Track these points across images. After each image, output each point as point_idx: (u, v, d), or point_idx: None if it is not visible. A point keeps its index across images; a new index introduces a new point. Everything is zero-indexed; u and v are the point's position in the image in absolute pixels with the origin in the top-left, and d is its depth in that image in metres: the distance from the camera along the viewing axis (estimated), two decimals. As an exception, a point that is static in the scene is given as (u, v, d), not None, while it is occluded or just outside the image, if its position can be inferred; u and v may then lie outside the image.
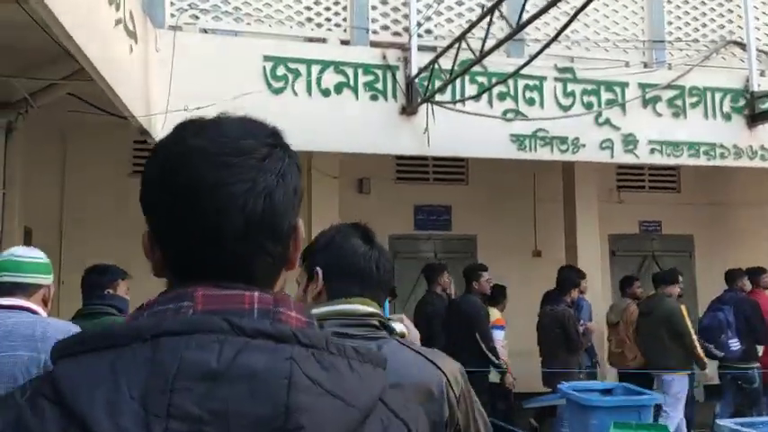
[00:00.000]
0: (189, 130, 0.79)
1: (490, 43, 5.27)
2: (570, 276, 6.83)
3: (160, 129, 5.68)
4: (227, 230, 0.75)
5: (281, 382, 0.66)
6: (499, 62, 6.54)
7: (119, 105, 4.91)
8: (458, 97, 6.44)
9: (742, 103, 7.21)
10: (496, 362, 6.11)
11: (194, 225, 0.75)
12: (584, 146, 6.82)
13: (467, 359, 6.09)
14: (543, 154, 6.73)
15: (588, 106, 6.85)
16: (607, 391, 5.04)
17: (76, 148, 7.92)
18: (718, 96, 7.17)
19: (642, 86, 7.01)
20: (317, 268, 1.47)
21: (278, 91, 6.15)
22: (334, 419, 0.67)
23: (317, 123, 6.20)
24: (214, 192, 0.74)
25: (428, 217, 9.07)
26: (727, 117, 7.18)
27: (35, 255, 2.37)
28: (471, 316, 6.27)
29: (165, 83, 5.78)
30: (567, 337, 6.40)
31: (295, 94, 6.20)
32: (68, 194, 7.98)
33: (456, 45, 5.87)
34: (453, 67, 5.80)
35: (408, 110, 6.39)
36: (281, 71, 6.19)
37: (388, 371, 0.82)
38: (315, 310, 1.38)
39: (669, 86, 7.06)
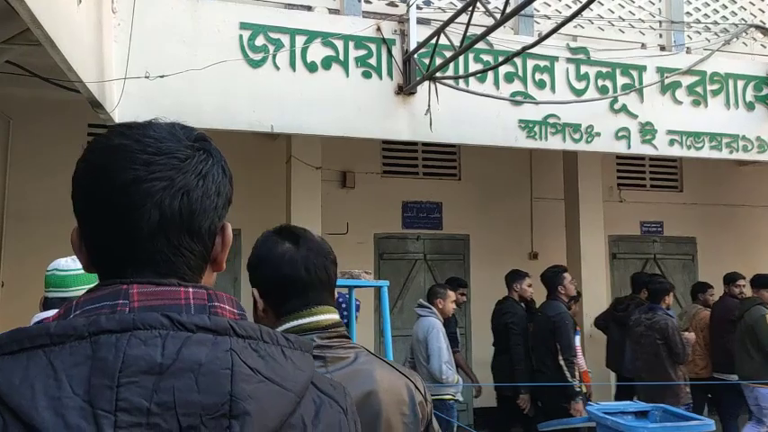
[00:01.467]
0: (116, 131, 0.81)
1: (495, 18, 4.53)
2: (664, 284, 6.01)
3: (116, 101, 4.80)
4: (143, 227, 0.76)
5: (224, 372, 0.69)
6: (506, 40, 5.80)
7: (65, 68, 4.03)
8: (461, 79, 5.67)
9: (766, 92, 6.61)
10: (570, 379, 5.30)
11: (112, 221, 0.76)
12: (598, 135, 6.13)
13: (549, 372, 5.30)
14: (554, 142, 6.01)
15: (603, 91, 6.16)
16: (642, 414, 4.32)
17: (22, 131, 6.94)
18: (740, 84, 6.55)
19: (660, 71, 6.35)
20: (253, 289, 1.43)
21: (256, 63, 5.31)
22: (274, 404, 0.71)
23: (301, 102, 5.38)
24: (131, 188, 0.76)
25: (417, 215, 8.30)
26: (750, 106, 6.57)
27: (78, 266, 2.31)
28: (555, 324, 5.49)
29: (123, 49, 4.89)
30: (670, 349, 5.55)
31: (276, 67, 5.37)
32: (12, 184, 7.00)
33: (459, 18, 5.12)
34: (463, 40, 5.03)
35: (405, 89, 5.61)
36: (260, 41, 5.35)
37: (362, 379, 1.30)
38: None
39: (689, 72, 6.42)
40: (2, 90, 6.09)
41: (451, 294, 5.46)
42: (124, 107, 4.87)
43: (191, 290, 0.76)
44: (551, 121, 5.98)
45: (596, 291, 7.69)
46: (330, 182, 7.69)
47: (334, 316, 1.41)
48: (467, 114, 5.74)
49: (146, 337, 0.69)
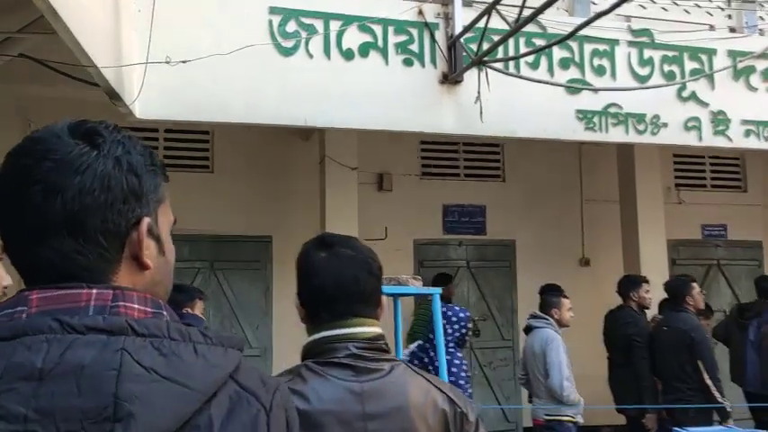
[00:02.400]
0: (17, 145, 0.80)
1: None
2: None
3: (135, 93, 4.36)
4: (26, 236, 0.74)
5: (110, 373, 0.66)
6: (560, 22, 5.25)
7: (79, 54, 3.61)
8: (511, 66, 5.13)
9: None
10: (721, 399, 4.80)
11: (9, 235, 0.76)
12: (665, 125, 5.52)
13: (686, 393, 4.72)
14: (616, 134, 5.42)
15: (669, 77, 5.55)
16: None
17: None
18: (821, 68, 5.88)
19: (732, 54, 5.72)
20: (296, 296, 1.40)
21: (287, 51, 4.84)
22: (169, 404, 0.66)
23: (336, 93, 4.90)
24: (12, 198, 0.75)
25: (459, 219, 7.74)
26: (834, 93, 5.88)
27: None
28: (694, 340, 4.95)
29: (143, 38, 4.47)
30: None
31: (309, 55, 4.89)
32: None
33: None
34: (517, 20, 4.49)
35: (450, 78, 5.09)
36: (291, 27, 4.88)
37: (393, 393, 1.28)
38: (305, 343, 1.37)
39: (763, 55, 5.77)
40: (18, 87, 5.73)
41: (567, 302, 4.93)
42: (144, 100, 4.44)
43: (94, 291, 0.72)
44: (612, 110, 5.39)
45: (657, 300, 7.01)
46: (366, 184, 7.18)
47: (374, 329, 1.36)
48: (518, 105, 5.19)
49: (31, 342, 0.67)
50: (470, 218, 7.77)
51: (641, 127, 5.44)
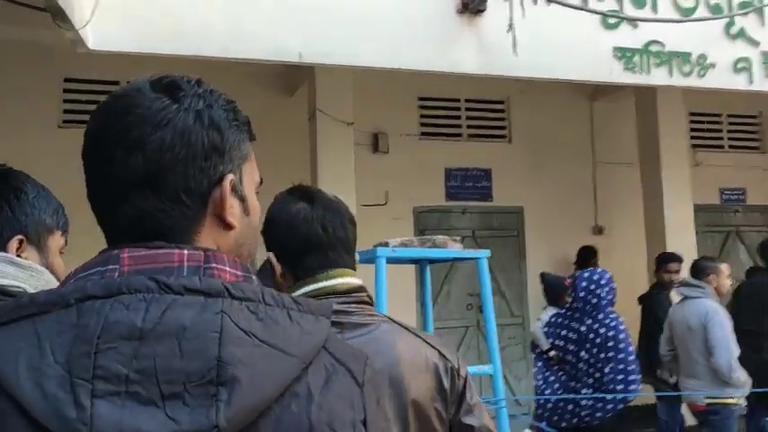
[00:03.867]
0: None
1: None
2: None
3: (88, 14, 3.47)
4: (109, 192, 0.73)
5: (212, 335, 0.64)
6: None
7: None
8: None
9: None
10: None
11: (93, 190, 0.75)
12: (712, 66, 4.80)
13: None
14: (658, 76, 4.69)
15: (716, 11, 4.83)
16: None
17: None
18: None
19: (783, -14, 5.02)
20: (269, 253, 1.35)
21: (276, -30, 3.98)
22: (271, 369, 0.65)
23: (336, 22, 4.07)
24: (96, 154, 0.73)
25: (462, 184, 6.98)
26: None
27: None
28: None
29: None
30: None
31: (303, -24, 4.04)
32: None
33: None
34: None
35: (471, 6, 4.28)
36: (280, -59, 4.02)
37: (382, 348, 1.19)
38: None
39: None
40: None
41: (725, 269, 4.18)
42: (98, 24, 3.55)
43: (185, 252, 0.70)
44: (654, 48, 4.65)
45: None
46: (360, 146, 6.35)
47: (354, 280, 1.31)
48: (548, 41, 4.42)
49: (129, 301, 0.65)
50: (474, 182, 7.02)
51: (686, 68, 4.72)
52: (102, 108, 0.74)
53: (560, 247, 7.07)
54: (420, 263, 3.31)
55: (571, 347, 4.44)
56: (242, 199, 0.77)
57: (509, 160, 7.09)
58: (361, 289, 1.31)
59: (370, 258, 2.87)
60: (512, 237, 7.18)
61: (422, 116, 6.94)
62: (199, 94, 0.75)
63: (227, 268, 0.70)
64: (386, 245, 2.98)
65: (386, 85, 6.38)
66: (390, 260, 2.96)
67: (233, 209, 0.75)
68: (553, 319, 4.71)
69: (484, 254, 3.28)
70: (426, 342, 1.27)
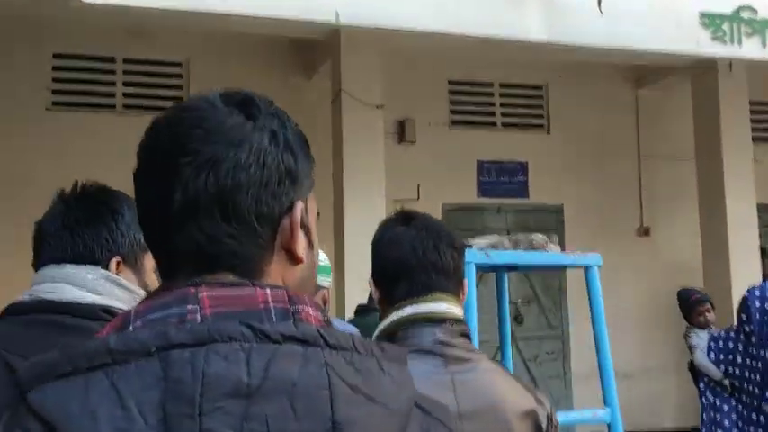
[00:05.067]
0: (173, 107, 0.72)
1: None
2: None
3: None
4: (173, 209, 0.63)
5: (322, 393, 0.57)
6: None
7: None
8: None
9: None
10: None
11: (149, 202, 0.66)
12: (811, 38, 4.13)
13: None
14: (750, 48, 4.06)
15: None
16: None
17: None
18: None
19: None
20: (369, 279, 1.34)
21: None
22: (381, 429, 0.59)
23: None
24: (161, 168, 0.64)
25: (497, 178, 6.29)
26: None
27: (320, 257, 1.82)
28: None
29: None
30: None
31: None
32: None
33: None
34: None
35: (539, -40, 3.59)
36: None
37: (487, 388, 1.16)
38: (381, 325, 1.28)
39: None
40: None
41: None
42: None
43: (268, 291, 0.62)
44: (745, 15, 3.97)
45: (752, 280, 5.70)
46: (385, 135, 5.65)
47: (456, 309, 1.24)
48: (628, 4, 3.73)
49: (226, 351, 0.56)
50: (510, 177, 6.34)
51: (782, 39, 4.04)
52: (162, 120, 0.66)
53: (602, 249, 6.27)
54: (502, 270, 2.60)
55: (752, 376, 3.62)
56: (307, 231, 0.68)
57: (547, 153, 6.41)
58: (462, 320, 1.25)
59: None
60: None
61: (451, 103, 6.25)
62: (272, 113, 0.67)
63: (311, 311, 0.62)
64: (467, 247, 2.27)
65: (412, 69, 5.72)
66: (481, 267, 2.26)
67: (301, 240, 0.67)
68: (720, 344, 3.88)
69: (595, 260, 2.55)
70: (522, 385, 1.23)
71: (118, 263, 1.23)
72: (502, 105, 6.41)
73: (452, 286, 1.25)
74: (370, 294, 1.57)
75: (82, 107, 5.26)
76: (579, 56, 5.82)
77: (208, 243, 0.63)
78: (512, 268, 2.61)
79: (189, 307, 0.58)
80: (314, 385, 0.56)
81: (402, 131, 5.95)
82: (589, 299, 2.47)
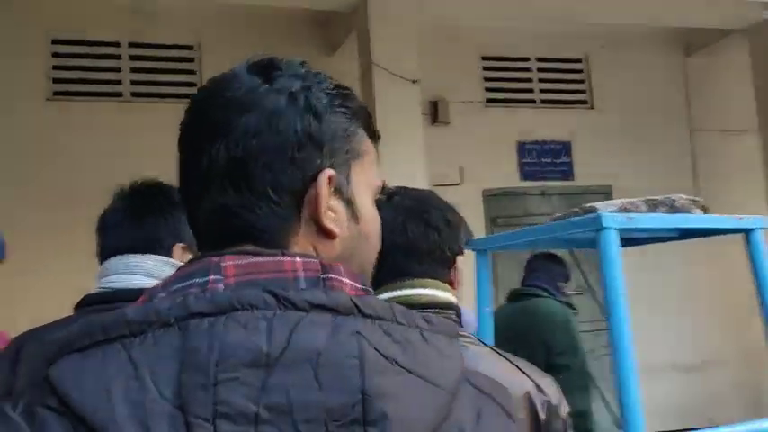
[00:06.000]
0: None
1: None
2: None
3: None
4: (193, 186, 0.62)
5: (351, 362, 0.51)
6: None
7: None
8: None
9: None
10: None
11: (180, 177, 0.65)
12: None
13: None
14: None
15: None
16: None
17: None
18: None
19: None
20: None
21: None
22: (421, 404, 0.52)
23: None
24: (188, 141, 0.63)
25: (539, 160, 5.78)
26: None
27: None
28: None
29: None
30: None
31: None
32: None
33: None
34: None
35: None
36: None
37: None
38: None
39: None
40: None
41: None
42: None
43: (298, 259, 0.57)
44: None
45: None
46: (416, 115, 5.14)
47: (440, 293, 1.13)
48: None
49: (246, 319, 0.52)
50: (553, 158, 5.82)
51: None
52: (196, 94, 0.65)
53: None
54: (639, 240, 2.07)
55: None
56: (348, 202, 0.63)
57: (591, 130, 5.89)
58: (448, 306, 1.13)
59: (584, 237, 1.66)
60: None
61: (486, 79, 5.74)
62: (297, 74, 0.62)
63: (346, 280, 0.58)
64: (590, 211, 1.76)
65: (442, 45, 5.23)
66: (626, 236, 1.76)
67: (335, 213, 0.61)
68: None
69: (759, 222, 2.03)
70: (519, 369, 1.01)
71: (183, 248, 1.26)
72: (540, 81, 5.89)
73: (433, 270, 1.15)
74: None
75: (85, 96, 4.78)
76: (623, 20, 5.33)
77: (222, 216, 0.60)
78: (664, 238, 2.09)
79: (211, 277, 0.56)
80: (342, 354, 0.51)
81: (435, 112, 5.44)
82: (754, 268, 1.95)
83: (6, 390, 0.53)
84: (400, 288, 1.13)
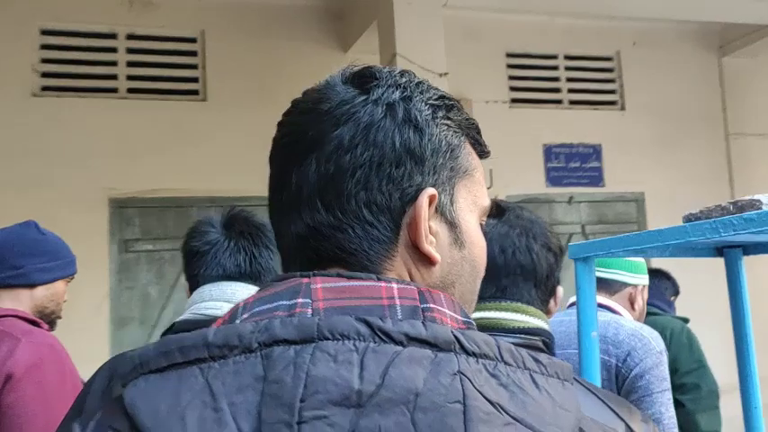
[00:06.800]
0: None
1: None
2: None
3: None
4: (282, 201, 0.59)
5: (454, 407, 0.45)
6: None
7: None
8: None
9: None
10: None
11: (270, 195, 0.62)
12: None
13: None
14: None
15: None
16: None
17: None
18: None
19: None
20: None
21: None
22: None
23: None
24: (281, 158, 0.60)
25: (566, 165, 5.37)
26: None
27: None
28: None
29: None
30: None
31: None
32: None
33: None
34: None
35: None
36: None
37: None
38: None
39: None
40: None
41: None
42: None
43: (395, 286, 0.52)
44: None
45: None
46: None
47: (533, 320, 1.08)
48: None
49: (336, 350, 0.47)
50: (582, 162, 5.41)
51: None
52: (290, 107, 0.62)
53: (690, 243, 5.49)
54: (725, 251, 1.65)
55: None
56: (451, 224, 0.58)
57: (623, 133, 5.49)
58: (538, 332, 1.08)
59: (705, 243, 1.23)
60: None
61: (510, 78, 5.33)
62: (397, 84, 0.58)
63: (447, 311, 0.53)
64: (749, 207, 1.33)
65: (464, 42, 4.84)
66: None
67: (436, 236, 0.57)
68: None
69: None
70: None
71: None
72: (569, 80, 5.48)
73: (539, 292, 1.12)
74: None
75: (76, 92, 4.34)
76: (657, 15, 4.96)
77: (311, 236, 0.56)
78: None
79: (300, 300, 0.51)
80: (443, 397, 0.45)
81: (456, 112, 5.03)
82: None
83: (79, 408, 0.47)
84: (495, 310, 1.06)
